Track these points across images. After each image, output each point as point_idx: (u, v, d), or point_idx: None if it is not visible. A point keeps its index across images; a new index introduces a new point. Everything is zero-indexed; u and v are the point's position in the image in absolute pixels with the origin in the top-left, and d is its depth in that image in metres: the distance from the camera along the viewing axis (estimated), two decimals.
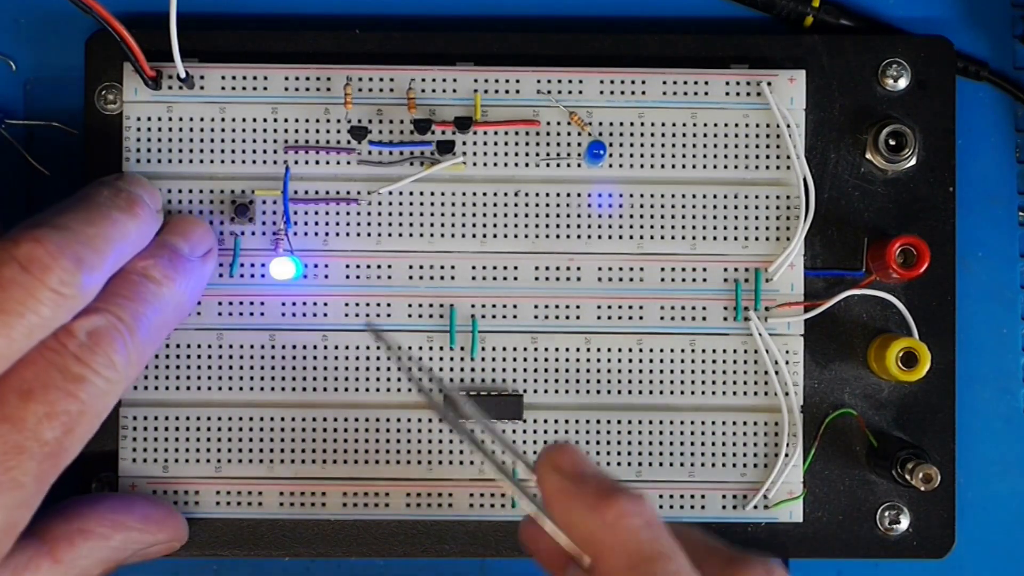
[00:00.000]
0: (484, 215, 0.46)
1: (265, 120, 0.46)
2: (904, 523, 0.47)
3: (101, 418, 0.40)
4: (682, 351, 0.47)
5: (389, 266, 0.46)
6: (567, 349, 0.46)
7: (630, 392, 0.46)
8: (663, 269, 0.47)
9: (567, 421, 0.46)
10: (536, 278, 0.47)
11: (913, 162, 0.47)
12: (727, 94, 0.47)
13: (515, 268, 0.47)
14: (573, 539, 0.37)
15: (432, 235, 0.46)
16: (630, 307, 0.47)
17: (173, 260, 0.43)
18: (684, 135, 0.47)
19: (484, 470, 0.43)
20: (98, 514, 0.42)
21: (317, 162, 0.46)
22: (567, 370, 0.46)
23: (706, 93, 0.47)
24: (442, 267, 0.46)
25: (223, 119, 0.46)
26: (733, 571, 0.37)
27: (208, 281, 0.45)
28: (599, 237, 0.47)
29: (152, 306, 0.41)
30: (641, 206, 0.47)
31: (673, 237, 0.47)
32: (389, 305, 0.46)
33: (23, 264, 0.38)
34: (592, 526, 0.36)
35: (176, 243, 0.44)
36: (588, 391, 0.46)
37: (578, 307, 0.47)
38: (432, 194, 0.46)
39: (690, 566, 0.36)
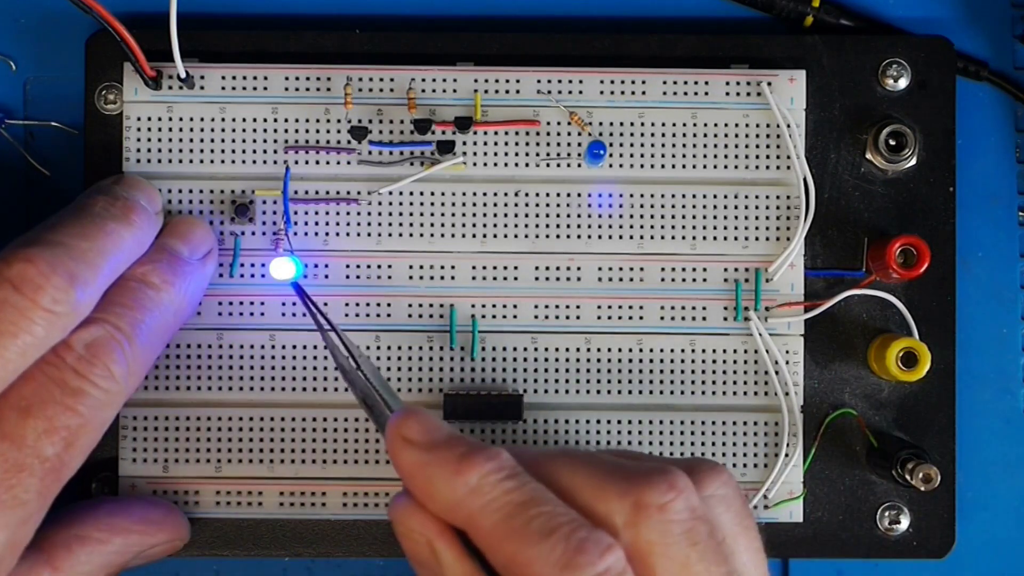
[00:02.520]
0: (484, 215, 0.46)
1: (265, 120, 0.46)
2: (904, 523, 0.47)
3: (102, 429, 0.40)
4: (682, 351, 0.47)
5: (389, 266, 0.46)
6: (567, 349, 0.46)
7: (630, 392, 0.46)
8: (663, 269, 0.47)
9: (567, 421, 0.46)
10: (536, 278, 0.47)
11: (913, 162, 0.47)
12: (727, 94, 0.47)
13: (515, 268, 0.47)
14: (441, 513, 0.36)
15: (432, 235, 0.46)
16: (630, 307, 0.47)
17: (172, 264, 0.43)
18: (684, 135, 0.47)
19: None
20: (95, 519, 0.42)
21: (317, 162, 0.46)
22: (567, 370, 0.46)
23: (706, 93, 0.47)
24: (442, 267, 0.46)
25: (223, 119, 0.46)
26: (637, 493, 0.36)
27: (209, 282, 0.45)
28: (599, 237, 0.47)
29: (151, 312, 0.41)
30: (641, 206, 0.47)
31: (673, 237, 0.47)
32: (389, 305, 0.46)
33: (15, 285, 0.38)
34: (456, 494, 0.36)
35: (175, 246, 0.44)
36: (588, 391, 0.46)
37: (578, 307, 0.47)
38: (432, 194, 0.46)
39: (562, 504, 0.36)
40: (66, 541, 0.41)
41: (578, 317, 0.47)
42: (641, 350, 0.46)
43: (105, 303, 0.41)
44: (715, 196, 0.47)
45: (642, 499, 0.36)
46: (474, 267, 0.46)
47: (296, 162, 0.46)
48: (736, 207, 0.47)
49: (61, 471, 0.39)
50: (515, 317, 0.46)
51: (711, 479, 0.38)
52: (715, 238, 0.47)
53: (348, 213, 0.46)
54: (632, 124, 0.47)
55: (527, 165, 0.47)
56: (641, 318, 0.47)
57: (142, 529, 0.43)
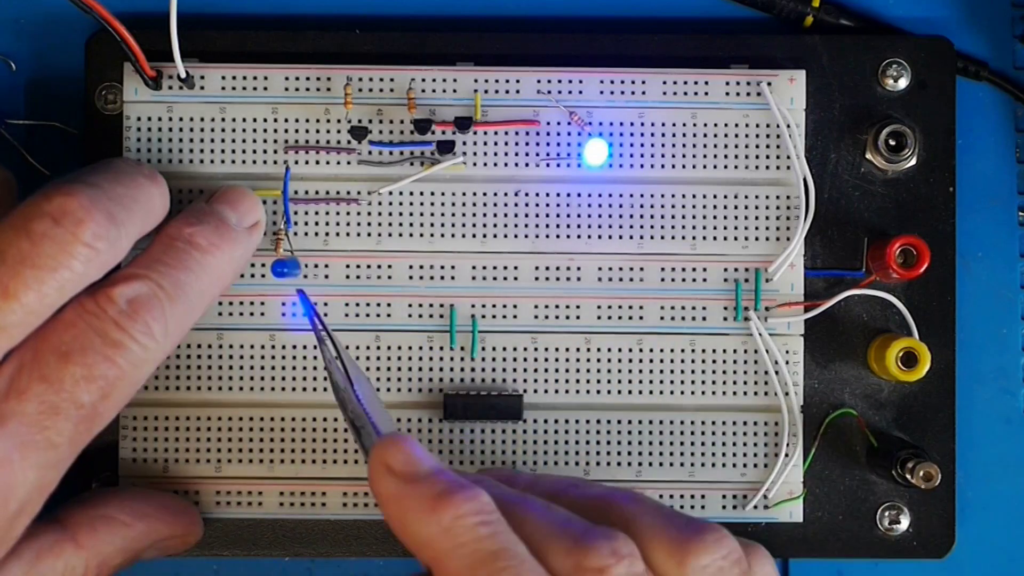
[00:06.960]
0: (484, 215, 0.46)
1: (265, 120, 0.46)
2: (904, 523, 0.47)
3: (137, 386, 0.40)
4: (682, 351, 0.47)
5: (389, 266, 0.46)
6: (567, 349, 0.46)
7: (630, 392, 0.46)
8: (663, 269, 0.47)
9: (567, 421, 0.46)
10: (536, 278, 0.47)
11: (913, 162, 0.47)
12: (727, 94, 0.47)
13: (515, 268, 0.47)
14: (410, 546, 0.36)
15: (432, 235, 0.46)
16: (630, 307, 0.47)
17: (219, 229, 0.43)
18: (684, 135, 0.47)
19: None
20: (120, 502, 0.43)
21: (317, 162, 0.46)
22: (567, 370, 0.46)
23: (706, 93, 0.47)
24: (442, 267, 0.46)
25: (223, 119, 0.46)
26: (580, 554, 0.36)
27: (253, 254, 0.45)
28: (599, 237, 0.47)
29: (194, 274, 0.41)
30: (641, 206, 0.47)
31: (673, 237, 0.47)
32: (389, 305, 0.46)
33: (55, 218, 0.38)
34: (428, 532, 0.35)
35: (224, 212, 0.43)
36: (588, 391, 0.46)
37: (578, 307, 0.47)
38: (432, 194, 0.46)
39: (531, 559, 0.35)
40: (91, 520, 0.41)
41: (578, 317, 0.47)
42: (641, 350, 0.46)
43: (149, 260, 0.40)
44: (715, 196, 0.47)
45: (583, 562, 0.36)
46: (474, 267, 0.46)
47: (296, 162, 0.46)
48: (736, 207, 0.47)
49: (94, 420, 0.38)
50: (515, 317, 0.46)
51: (702, 549, 0.37)
52: (715, 238, 0.47)
53: (348, 213, 0.46)
54: (632, 124, 0.47)
55: (527, 165, 0.47)
56: (641, 318, 0.47)
57: (164, 517, 0.43)
